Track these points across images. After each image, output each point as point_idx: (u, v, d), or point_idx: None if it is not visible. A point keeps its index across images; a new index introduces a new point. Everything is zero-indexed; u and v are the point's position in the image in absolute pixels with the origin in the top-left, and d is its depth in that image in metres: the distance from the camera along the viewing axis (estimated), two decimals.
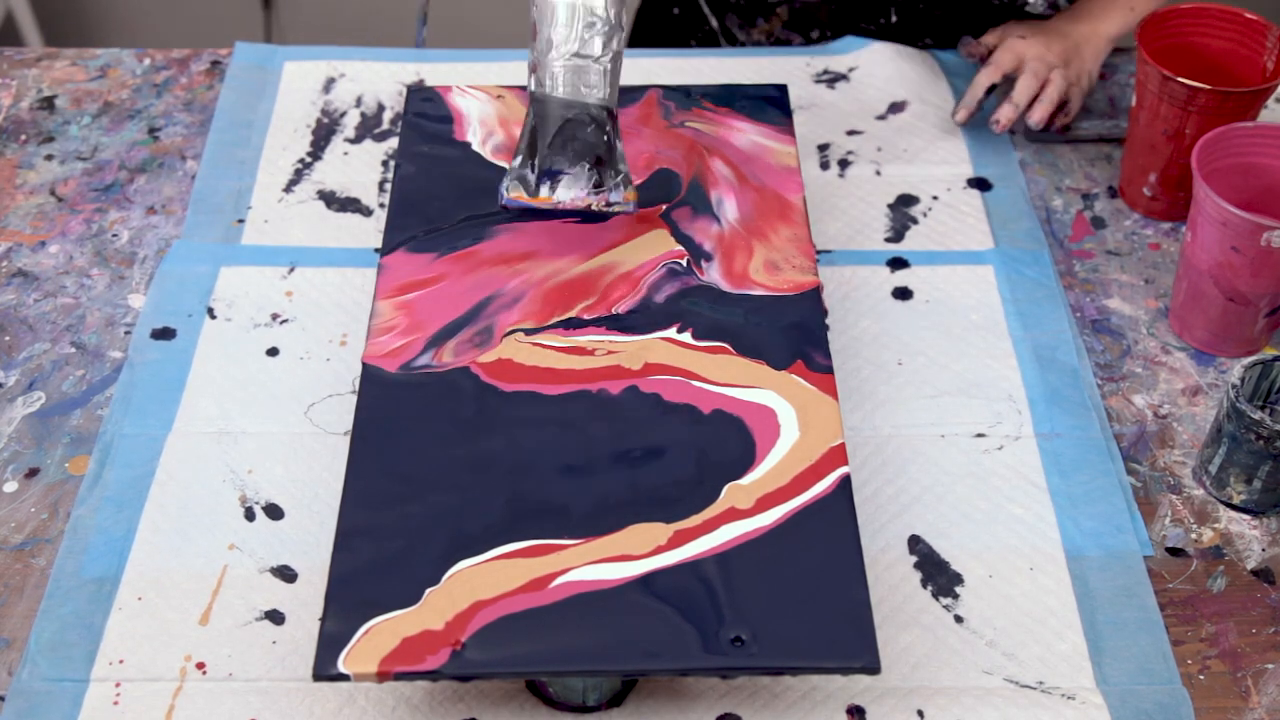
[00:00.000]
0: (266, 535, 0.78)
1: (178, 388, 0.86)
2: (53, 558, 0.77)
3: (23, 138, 1.05)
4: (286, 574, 0.77)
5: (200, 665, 0.72)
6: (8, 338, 0.90)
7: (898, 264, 0.95)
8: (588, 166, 0.82)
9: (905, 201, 0.99)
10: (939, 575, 0.77)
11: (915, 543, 0.78)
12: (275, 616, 0.75)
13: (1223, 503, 0.81)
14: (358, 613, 0.65)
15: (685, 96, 0.95)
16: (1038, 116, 1.00)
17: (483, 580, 0.67)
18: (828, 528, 0.69)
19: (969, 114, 1.02)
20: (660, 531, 0.69)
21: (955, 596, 0.76)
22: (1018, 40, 1.03)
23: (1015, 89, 1.01)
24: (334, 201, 0.99)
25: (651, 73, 1.10)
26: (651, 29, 1.27)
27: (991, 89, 1.02)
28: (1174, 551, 0.79)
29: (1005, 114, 1.01)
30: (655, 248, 0.84)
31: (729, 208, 0.87)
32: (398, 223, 0.85)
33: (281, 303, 0.91)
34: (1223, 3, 0.96)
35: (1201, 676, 0.73)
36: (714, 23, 1.19)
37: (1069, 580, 0.77)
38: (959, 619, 0.75)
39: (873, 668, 0.64)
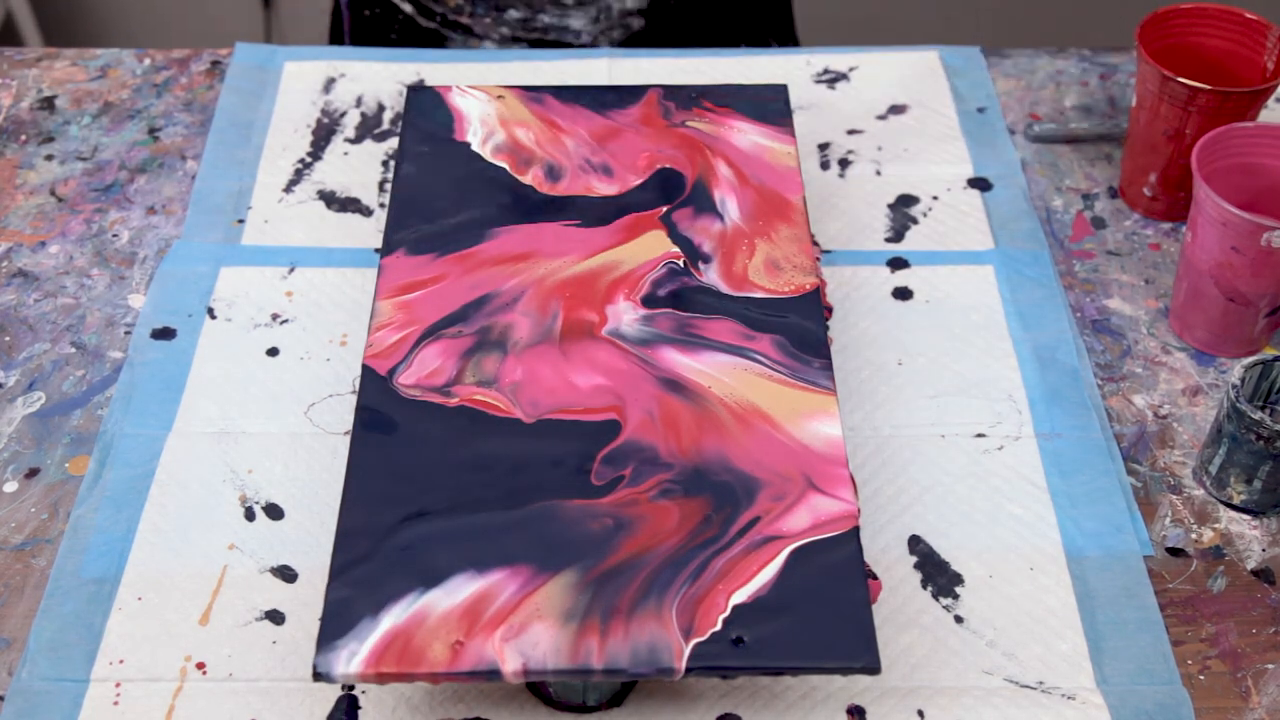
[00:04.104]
0: (266, 535, 0.78)
1: (178, 388, 0.86)
2: (53, 558, 0.77)
3: (23, 138, 1.05)
4: (286, 574, 0.77)
5: (200, 665, 0.72)
6: (8, 338, 0.90)
7: (898, 264, 0.95)
8: None
9: (905, 201, 0.99)
10: (939, 575, 0.77)
11: (915, 543, 0.78)
12: (275, 616, 0.75)
13: (1223, 503, 0.81)
14: (357, 613, 0.66)
15: (685, 96, 0.95)
16: None
17: (482, 579, 0.67)
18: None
19: None
20: None
21: (955, 597, 0.76)
22: None
23: None
24: (334, 201, 0.99)
25: (652, 73, 1.10)
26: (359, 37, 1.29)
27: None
28: (1174, 552, 0.79)
29: None
30: (654, 249, 0.84)
31: (731, 208, 0.87)
32: (398, 223, 0.85)
33: (281, 303, 0.91)
34: (1223, 3, 0.96)
35: (1202, 677, 0.73)
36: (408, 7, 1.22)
37: (1069, 580, 0.77)
38: (959, 619, 0.75)
39: (873, 668, 0.64)
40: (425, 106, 0.94)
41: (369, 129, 1.05)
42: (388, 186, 1.00)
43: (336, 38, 1.33)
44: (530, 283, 0.81)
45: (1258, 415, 0.76)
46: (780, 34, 1.34)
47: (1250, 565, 0.78)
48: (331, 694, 0.71)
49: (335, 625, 0.65)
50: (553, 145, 0.91)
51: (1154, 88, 0.93)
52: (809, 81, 1.10)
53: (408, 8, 1.21)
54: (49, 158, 1.04)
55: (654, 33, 1.23)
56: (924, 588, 0.76)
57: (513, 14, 1.18)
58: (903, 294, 0.93)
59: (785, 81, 1.03)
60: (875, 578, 0.75)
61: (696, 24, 1.24)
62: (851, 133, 1.05)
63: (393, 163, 1.00)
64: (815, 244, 0.95)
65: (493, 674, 0.64)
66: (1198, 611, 0.76)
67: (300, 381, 0.86)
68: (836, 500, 0.70)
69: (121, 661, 0.72)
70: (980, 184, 1.01)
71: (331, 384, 0.86)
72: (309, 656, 0.72)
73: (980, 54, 1.12)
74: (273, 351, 0.88)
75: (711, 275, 0.82)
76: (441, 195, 0.87)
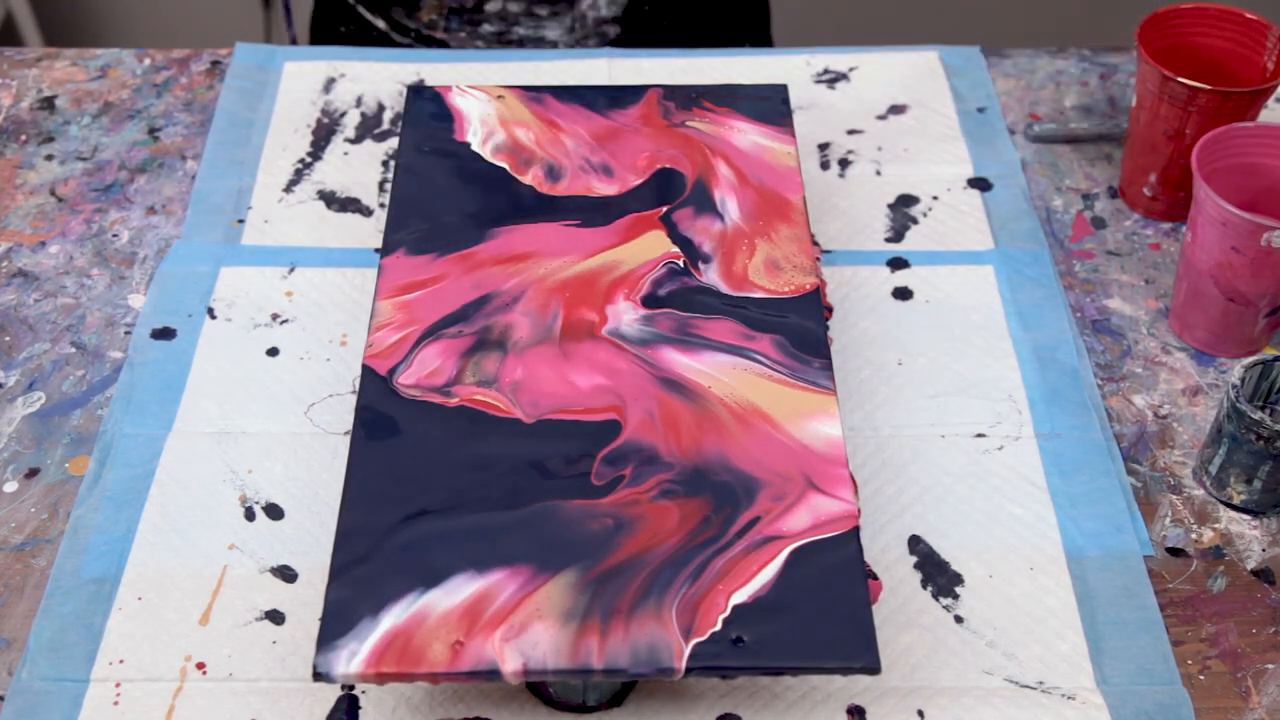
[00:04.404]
0: (266, 535, 0.78)
1: (178, 388, 0.86)
2: (53, 558, 0.77)
3: (23, 138, 1.05)
4: (286, 574, 0.77)
5: (200, 665, 0.72)
6: (8, 338, 0.90)
7: (898, 264, 0.95)
8: None
9: (905, 201, 0.99)
10: (939, 575, 0.77)
11: (915, 543, 0.78)
12: (275, 616, 0.75)
13: (1223, 503, 0.81)
14: (357, 613, 0.66)
15: (685, 96, 0.95)
16: None
17: (482, 580, 0.67)
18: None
19: None
20: None
21: (955, 597, 0.76)
22: None
23: None
24: (334, 201, 0.99)
25: (651, 73, 1.10)
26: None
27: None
28: (1174, 552, 0.79)
29: None
30: (654, 249, 0.84)
31: (731, 208, 0.87)
32: (398, 223, 0.85)
33: (281, 303, 0.91)
34: (1223, 3, 0.96)
35: (1202, 677, 0.73)
36: (381, 23, 1.23)
37: (1069, 580, 0.77)
38: (959, 619, 0.75)
39: (873, 668, 0.64)
40: (425, 106, 0.94)
41: (369, 129, 1.05)
42: (388, 186, 1.00)
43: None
44: (530, 283, 0.82)
45: (1258, 415, 0.76)
46: (756, 39, 1.34)
47: (1250, 565, 0.78)
48: (331, 694, 0.71)
49: (335, 625, 0.65)
50: (553, 145, 0.91)
51: (1154, 88, 0.93)
52: (809, 81, 1.10)
53: (381, 24, 1.22)
54: (49, 158, 1.04)
55: (630, 41, 1.23)
56: (924, 588, 0.76)
57: (487, 28, 1.18)
58: (903, 294, 0.93)
59: (785, 81, 1.03)
60: (876, 578, 0.75)
61: (672, 30, 1.24)
62: (851, 133, 1.05)
63: (393, 163, 1.00)
64: (815, 244, 0.95)
65: (493, 674, 0.64)
66: (1198, 611, 0.76)
67: (300, 381, 0.86)
68: (836, 500, 0.70)
69: (121, 661, 0.72)
70: (980, 184, 1.01)
71: (331, 384, 0.86)
72: (309, 656, 0.72)
73: (980, 54, 1.12)
74: (273, 351, 0.88)
75: (711, 275, 0.82)
76: (441, 195, 0.87)
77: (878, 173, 1.02)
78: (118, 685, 0.71)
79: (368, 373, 0.76)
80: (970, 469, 0.82)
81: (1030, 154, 1.05)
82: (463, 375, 0.76)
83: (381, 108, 1.07)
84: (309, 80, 1.09)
